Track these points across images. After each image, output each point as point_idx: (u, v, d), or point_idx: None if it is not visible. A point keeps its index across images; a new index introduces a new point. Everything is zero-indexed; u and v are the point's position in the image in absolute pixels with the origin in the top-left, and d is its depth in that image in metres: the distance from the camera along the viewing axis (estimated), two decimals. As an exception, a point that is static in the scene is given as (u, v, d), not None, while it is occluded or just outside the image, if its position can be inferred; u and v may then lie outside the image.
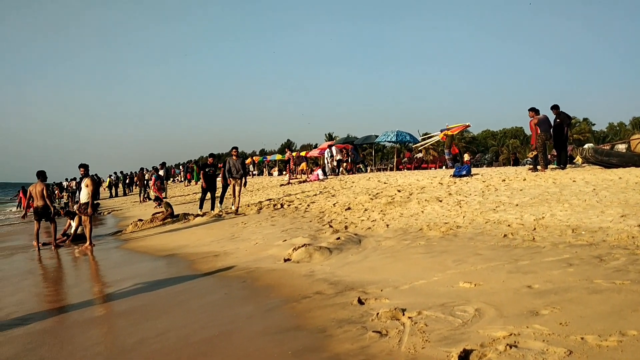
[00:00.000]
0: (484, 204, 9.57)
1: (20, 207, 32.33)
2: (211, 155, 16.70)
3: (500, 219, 8.14)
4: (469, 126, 25.86)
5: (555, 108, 13.98)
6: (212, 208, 15.46)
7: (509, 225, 7.61)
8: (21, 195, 31.72)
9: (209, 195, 15.78)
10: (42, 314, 5.86)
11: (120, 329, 5.18)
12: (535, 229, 7.16)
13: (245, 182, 14.95)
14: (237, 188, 14.46)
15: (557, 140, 14.14)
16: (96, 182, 12.18)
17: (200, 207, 15.59)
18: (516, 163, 29.26)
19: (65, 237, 13.09)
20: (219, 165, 21.40)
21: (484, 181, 12.62)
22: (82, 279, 8.62)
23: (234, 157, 14.75)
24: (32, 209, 12.32)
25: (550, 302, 4.05)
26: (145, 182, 27.82)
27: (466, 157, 26.20)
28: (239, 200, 14.60)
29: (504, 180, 12.26)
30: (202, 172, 15.84)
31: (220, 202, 15.89)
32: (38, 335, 5.04)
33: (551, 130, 13.88)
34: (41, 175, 12.33)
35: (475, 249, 6.44)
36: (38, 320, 5.56)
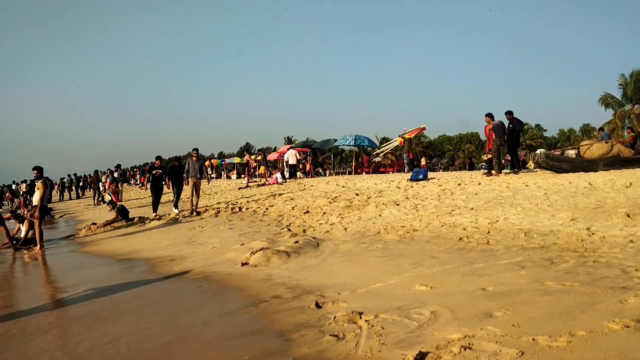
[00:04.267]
0: (440, 207, 9.72)
1: None
2: (157, 157, 16.43)
3: (456, 222, 8.28)
4: (425, 129, 26.25)
5: (509, 114, 14.30)
6: (155, 211, 15.26)
7: (464, 229, 7.74)
8: None
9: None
10: (-12, 321, 5.63)
11: (71, 335, 5.02)
12: (489, 232, 7.32)
13: (209, 181, 15.34)
14: (196, 188, 14.73)
15: (511, 145, 14.49)
16: (47, 185, 11.76)
17: (154, 210, 15.34)
18: (471, 167, 29.82)
19: (15, 241, 12.63)
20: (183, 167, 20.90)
21: (440, 185, 12.81)
22: (32, 284, 8.31)
23: (194, 159, 15.00)
24: None
25: (504, 304, 4.14)
26: (99, 184, 27.17)
27: (423, 161, 26.59)
28: (198, 200, 15.03)
29: (460, 184, 12.48)
30: (149, 174, 16.04)
31: (175, 206, 15.51)
32: (-17, 343, 4.84)
33: (505, 135, 14.21)
34: None
35: (432, 252, 6.53)
36: (-17, 328, 5.34)
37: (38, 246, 11.24)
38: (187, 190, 15.13)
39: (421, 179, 14.66)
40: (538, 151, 16.64)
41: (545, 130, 68.85)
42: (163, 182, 15.73)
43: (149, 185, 16.13)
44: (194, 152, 15.35)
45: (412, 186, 13.49)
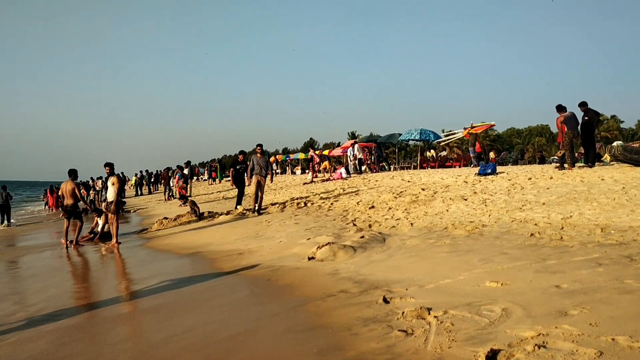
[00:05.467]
0: (510, 202, 9.45)
1: (47, 207, 32.81)
2: (241, 152, 16.20)
3: (527, 217, 8.03)
4: (493, 125, 25.58)
5: (583, 105, 13.72)
6: (238, 205, 15.33)
7: (535, 224, 7.50)
8: (48, 194, 32.25)
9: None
10: (71, 310, 5.96)
11: (147, 325, 5.25)
12: (562, 228, 7.05)
13: (272, 179, 14.69)
14: (260, 186, 14.05)
15: (585, 138, 13.88)
16: (122, 180, 12.28)
17: (239, 203, 15.38)
18: (542, 161, 28.88)
19: (93, 235, 13.30)
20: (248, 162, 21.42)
21: (509, 179, 12.46)
22: (110, 277, 8.75)
23: (258, 155, 14.37)
24: (61, 206, 12.59)
25: (580, 302, 3.98)
26: (170, 180, 28.13)
27: (491, 155, 25.93)
28: (262, 199, 14.36)
29: (530, 178, 12.10)
30: (232, 169, 15.89)
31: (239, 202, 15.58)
32: (68, 331, 5.13)
33: (579, 127, 13.64)
34: (72, 174, 12.55)
35: (502, 248, 6.37)
36: (68, 316, 5.66)
37: (114, 240, 11.77)
38: (251, 187, 14.61)
39: (489, 173, 14.31)
40: (615, 144, 15.86)
41: (622, 122, 65.66)
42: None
43: (230, 180, 16.41)
44: (258, 147, 14.60)
45: (480, 181, 13.20)
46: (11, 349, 4.70)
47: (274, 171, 40.02)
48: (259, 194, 14.11)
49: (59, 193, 12.87)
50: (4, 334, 5.17)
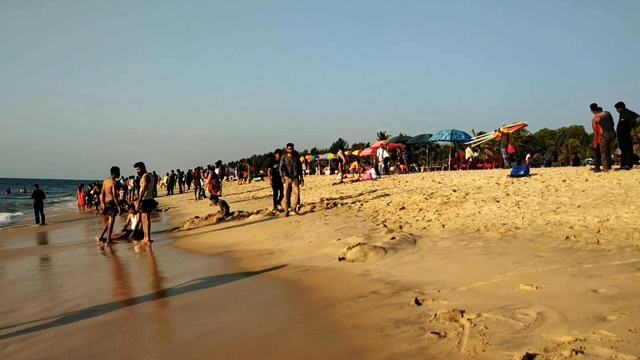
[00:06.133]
0: (543, 204, 9.29)
1: (79, 207, 33.28)
2: (277, 151, 15.80)
3: (562, 220, 7.88)
4: (526, 125, 25.17)
5: (620, 106, 13.40)
6: (276, 205, 15.42)
7: (571, 227, 7.35)
8: (78, 193, 32.80)
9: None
10: (106, 306, 6.07)
11: (180, 323, 5.31)
12: (599, 231, 6.90)
13: (302, 181, 14.54)
14: (294, 188, 13.52)
15: (622, 139, 13.56)
16: (149, 180, 12.31)
17: (275, 203, 15.46)
18: (576, 163, 28.25)
19: (125, 233, 13.52)
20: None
21: (543, 181, 12.25)
22: (142, 274, 8.88)
23: (289, 155, 13.57)
24: (97, 203, 12.87)
25: (618, 307, 3.89)
26: (201, 180, 28.45)
27: (527, 156, 25.53)
28: (298, 200, 13.91)
29: (565, 180, 11.87)
30: (270, 169, 16.06)
31: (278, 203, 15.41)
32: (103, 326, 5.23)
33: (615, 128, 13.33)
34: (114, 172, 12.76)
35: (536, 251, 6.26)
36: (102, 312, 5.77)
37: (146, 238, 11.95)
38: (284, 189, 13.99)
39: (522, 175, 14.09)
40: (653, 145, 15.45)
41: (660, 123, 63.84)
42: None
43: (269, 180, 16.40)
44: (289, 147, 13.64)
45: (512, 182, 13.01)
46: (50, 343, 4.82)
47: (303, 172, 40.10)
48: (291, 195, 13.70)
49: (97, 190, 13.15)
50: (42, 328, 5.31)
